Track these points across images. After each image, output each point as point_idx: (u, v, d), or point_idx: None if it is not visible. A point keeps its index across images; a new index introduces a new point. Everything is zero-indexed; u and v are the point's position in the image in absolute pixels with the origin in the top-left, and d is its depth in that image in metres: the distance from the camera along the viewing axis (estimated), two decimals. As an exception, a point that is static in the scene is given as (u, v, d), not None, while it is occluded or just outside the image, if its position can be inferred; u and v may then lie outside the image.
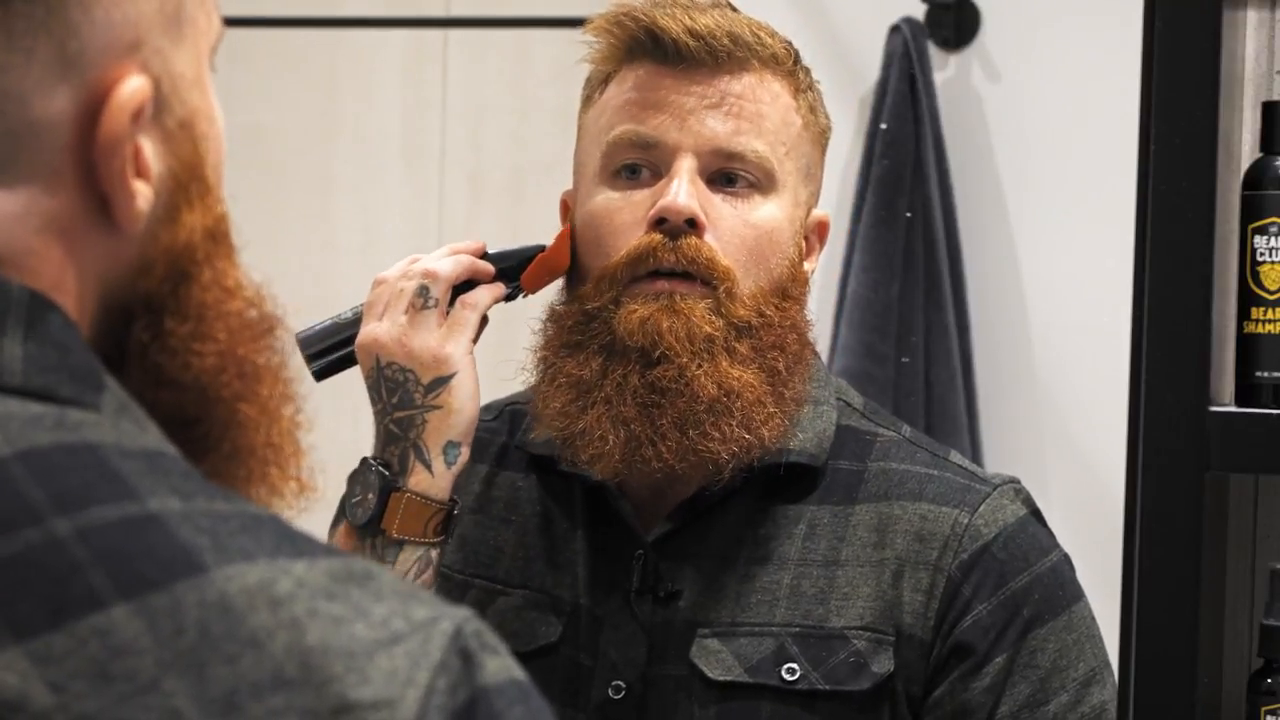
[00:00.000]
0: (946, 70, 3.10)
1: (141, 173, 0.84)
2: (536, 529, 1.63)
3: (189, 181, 0.86)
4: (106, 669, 0.73)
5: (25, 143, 0.82)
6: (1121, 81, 2.81)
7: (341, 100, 3.51)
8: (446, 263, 1.56)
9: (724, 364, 1.52)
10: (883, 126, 3.02)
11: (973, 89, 3.10)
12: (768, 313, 1.55)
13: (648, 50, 1.56)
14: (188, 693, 0.73)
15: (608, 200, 1.57)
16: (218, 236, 0.88)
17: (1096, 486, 2.96)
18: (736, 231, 1.55)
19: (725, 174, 1.55)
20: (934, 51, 3.09)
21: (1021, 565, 1.57)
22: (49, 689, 0.73)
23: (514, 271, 1.60)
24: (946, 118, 3.07)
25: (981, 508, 1.58)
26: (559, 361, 1.57)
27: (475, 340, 1.57)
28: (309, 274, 3.41)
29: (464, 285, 1.58)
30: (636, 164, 1.56)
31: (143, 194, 0.84)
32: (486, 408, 1.72)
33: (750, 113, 1.55)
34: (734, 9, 1.60)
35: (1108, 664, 1.62)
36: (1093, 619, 1.63)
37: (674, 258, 1.52)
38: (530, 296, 1.64)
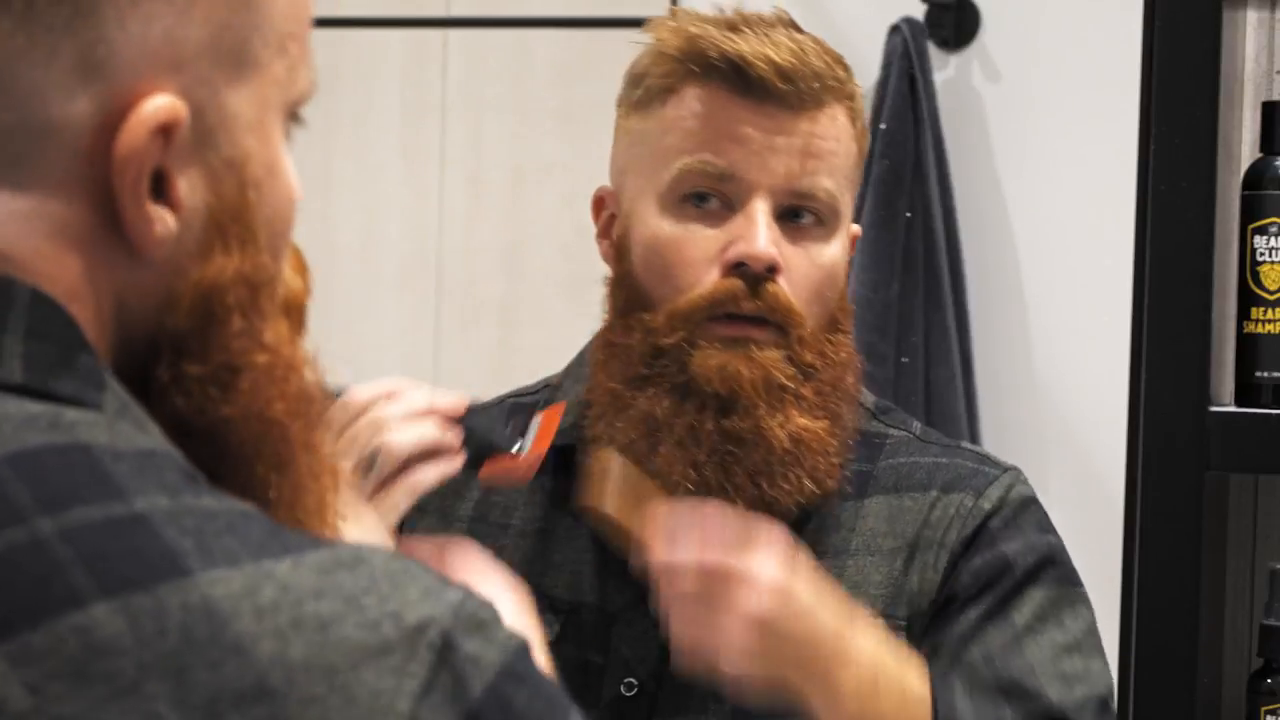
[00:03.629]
0: (946, 70, 3.10)
1: (170, 200, 0.82)
2: (535, 531, 1.63)
3: (228, 223, 0.84)
4: (85, 670, 0.72)
5: (39, 142, 0.81)
6: (1121, 81, 2.81)
7: (341, 100, 3.51)
8: (409, 436, 1.43)
9: (794, 413, 1.53)
10: (882, 126, 3.02)
11: (973, 89, 3.10)
12: (826, 352, 1.56)
13: (724, 76, 1.53)
14: (169, 697, 0.72)
15: (675, 230, 1.54)
16: (257, 288, 0.85)
17: (1096, 486, 2.96)
18: (807, 274, 1.54)
19: (793, 210, 1.54)
20: (934, 51, 3.08)
21: (1017, 534, 1.57)
22: (26, 691, 0.72)
23: (478, 455, 1.47)
24: (946, 118, 3.07)
25: (989, 489, 1.58)
26: (628, 393, 1.55)
27: (403, 513, 1.45)
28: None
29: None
30: (706, 193, 1.53)
31: (162, 220, 0.82)
32: (484, 406, 1.71)
33: (824, 150, 1.54)
34: (796, 27, 1.57)
35: (1100, 652, 1.59)
36: (1089, 610, 1.59)
37: (754, 305, 1.51)
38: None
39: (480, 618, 0.78)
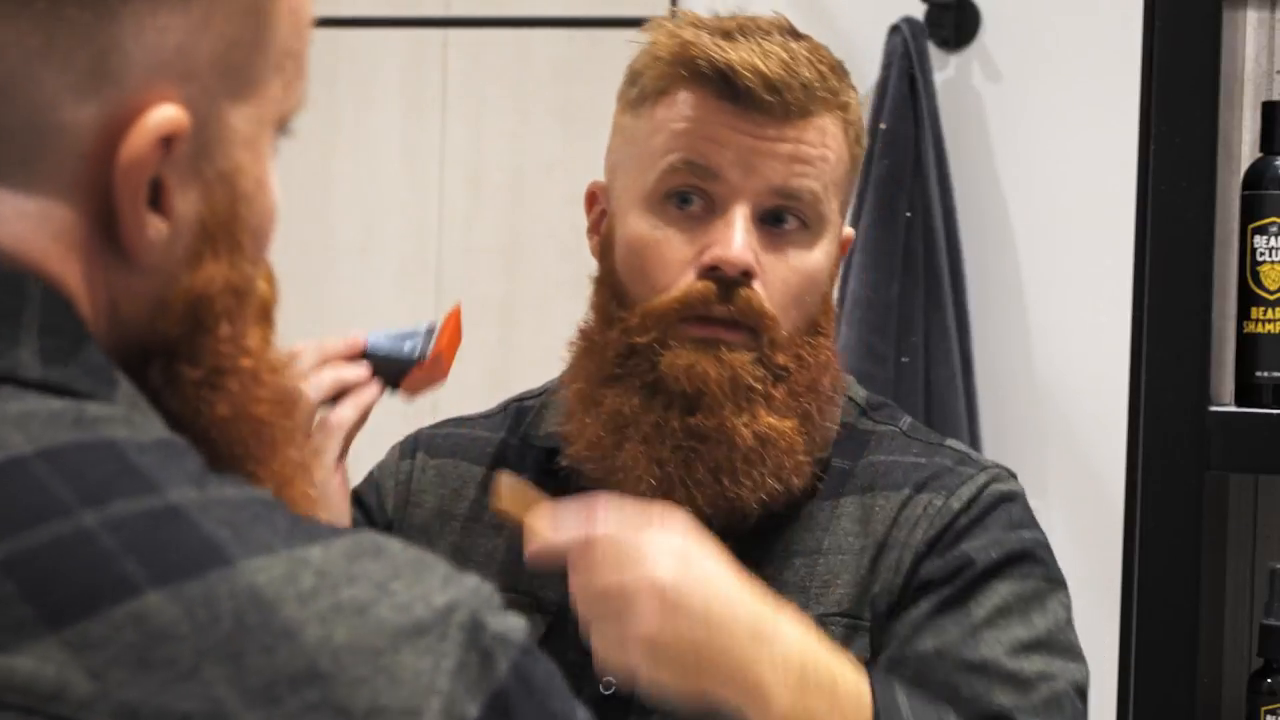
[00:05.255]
0: (946, 70, 3.10)
1: (163, 208, 0.84)
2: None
3: (218, 234, 0.86)
4: (146, 656, 0.74)
5: (49, 144, 0.82)
6: (1121, 81, 2.81)
7: (341, 100, 3.52)
8: (311, 388, 1.52)
9: (761, 412, 1.53)
10: (882, 126, 3.02)
11: (973, 89, 3.10)
12: (803, 355, 1.55)
13: (713, 84, 1.53)
14: (228, 681, 0.74)
15: (655, 230, 1.55)
16: (242, 296, 0.87)
17: (1096, 486, 2.96)
18: (784, 279, 1.54)
19: (775, 213, 1.55)
20: (934, 51, 3.09)
21: (982, 531, 1.54)
22: (88, 676, 0.73)
23: (393, 378, 1.56)
24: (946, 118, 3.07)
25: (961, 489, 1.57)
26: (596, 392, 1.56)
27: (345, 451, 1.52)
28: (309, 274, 3.41)
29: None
30: (689, 193, 1.55)
31: (155, 227, 0.83)
32: (486, 414, 1.72)
33: (812, 157, 1.54)
34: (795, 34, 1.58)
35: (1071, 649, 1.53)
36: (1063, 607, 1.55)
37: (726, 309, 1.52)
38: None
39: (496, 601, 0.81)
